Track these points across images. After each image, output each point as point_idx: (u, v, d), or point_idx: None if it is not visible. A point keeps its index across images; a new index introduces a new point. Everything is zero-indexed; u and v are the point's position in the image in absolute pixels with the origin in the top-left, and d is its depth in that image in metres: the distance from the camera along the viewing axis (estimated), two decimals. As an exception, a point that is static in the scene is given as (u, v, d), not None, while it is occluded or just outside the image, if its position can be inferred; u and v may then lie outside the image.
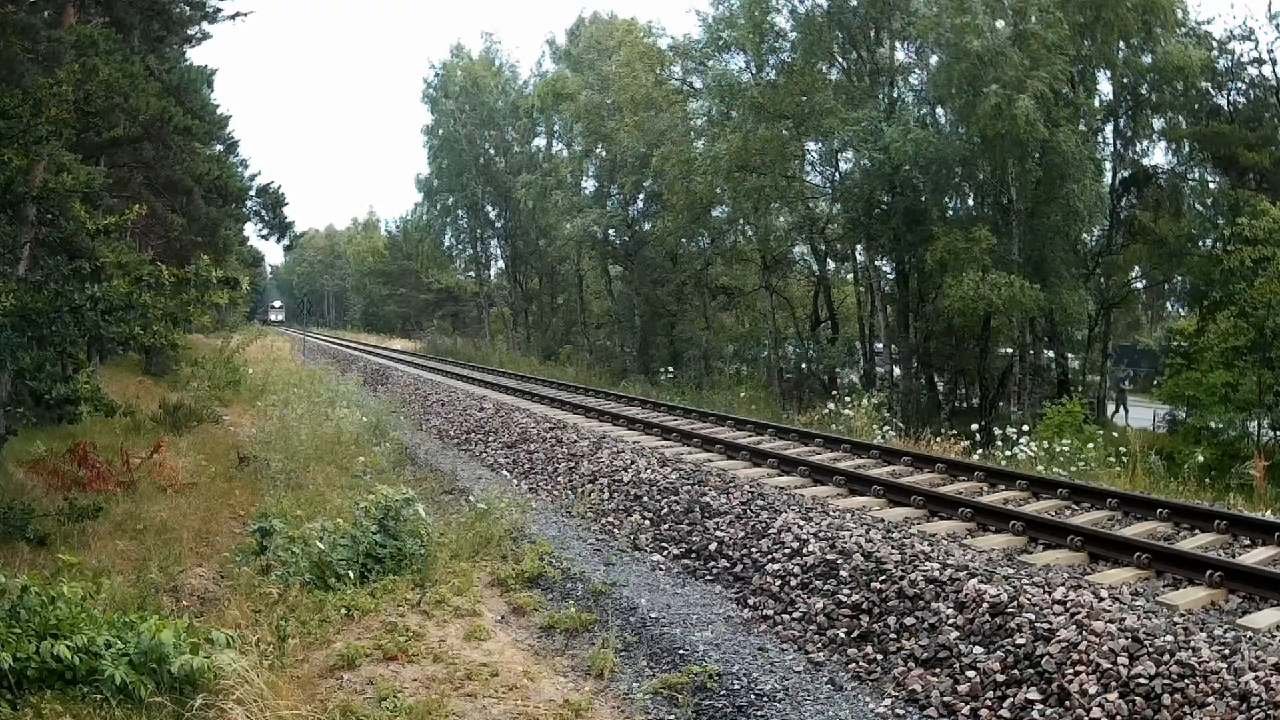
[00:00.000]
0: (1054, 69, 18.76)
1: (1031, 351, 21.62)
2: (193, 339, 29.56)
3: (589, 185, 35.95)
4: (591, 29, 38.97)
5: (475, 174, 44.94)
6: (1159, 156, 23.87)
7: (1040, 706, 5.42)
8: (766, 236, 26.47)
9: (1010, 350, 21.96)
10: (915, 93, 23.80)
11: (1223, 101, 22.75)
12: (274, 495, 11.51)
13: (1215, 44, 22.07)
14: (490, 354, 40.38)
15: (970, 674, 5.88)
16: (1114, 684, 5.33)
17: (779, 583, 7.82)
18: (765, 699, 5.98)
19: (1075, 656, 5.60)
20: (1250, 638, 5.73)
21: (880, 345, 25.16)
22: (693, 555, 9.04)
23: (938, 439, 15.16)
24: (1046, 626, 5.94)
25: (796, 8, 23.71)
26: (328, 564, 7.88)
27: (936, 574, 7.00)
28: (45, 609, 5.76)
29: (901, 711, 5.78)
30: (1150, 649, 5.48)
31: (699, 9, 35.05)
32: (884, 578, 7.23)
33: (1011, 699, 5.56)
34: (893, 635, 6.63)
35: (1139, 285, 24.94)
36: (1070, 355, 23.64)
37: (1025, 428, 15.07)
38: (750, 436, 14.76)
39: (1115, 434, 15.35)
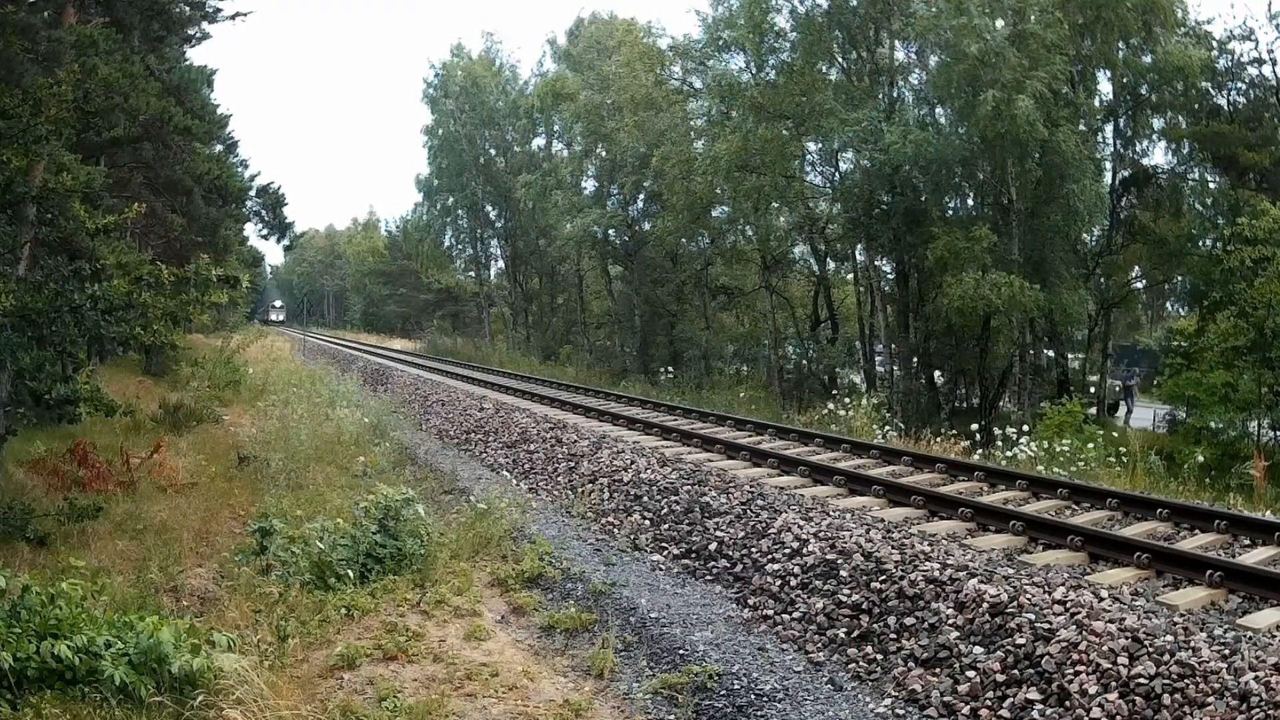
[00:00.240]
0: (1053, 69, 18.75)
1: (1031, 351, 21.63)
2: (193, 339, 29.58)
3: (589, 185, 35.97)
4: (591, 29, 38.97)
5: (475, 174, 44.95)
6: (1159, 156, 23.93)
7: (1040, 706, 5.42)
8: (766, 236, 26.47)
9: (1011, 349, 21.96)
10: (915, 92, 23.81)
11: (1223, 101, 22.76)
12: (274, 495, 11.51)
13: (1215, 44, 22.09)
14: (490, 354, 40.38)
15: (970, 674, 5.88)
16: (1114, 684, 5.33)
17: (779, 583, 7.82)
18: (765, 699, 5.98)
19: (1075, 656, 5.60)
20: (1250, 638, 5.73)
21: (880, 345, 25.17)
22: (693, 555, 9.04)
23: (938, 439, 15.16)
24: (1046, 626, 5.94)
25: (796, 8, 23.73)
26: (328, 564, 7.88)
27: (936, 574, 7.00)
28: (45, 609, 5.76)
29: (901, 711, 5.78)
30: (1150, 649, 5.48)
31: (699, 9, 35.09)
32: (884, 578, 7.23)
33: (1011, 699, 5.56)
34: (893, 635, 6.63)
35: (1139, 285, 24.96)
36: (1071, 355, 23.65)
37: (1025, 428, 15.07)
38: (750, 436, 14.76)
39: (1115, 434, 15.34)
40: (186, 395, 19.52)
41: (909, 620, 6.69)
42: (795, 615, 7.29)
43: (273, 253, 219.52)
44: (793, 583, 7.75)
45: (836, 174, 24.63)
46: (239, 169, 24.72)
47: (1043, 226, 20.37)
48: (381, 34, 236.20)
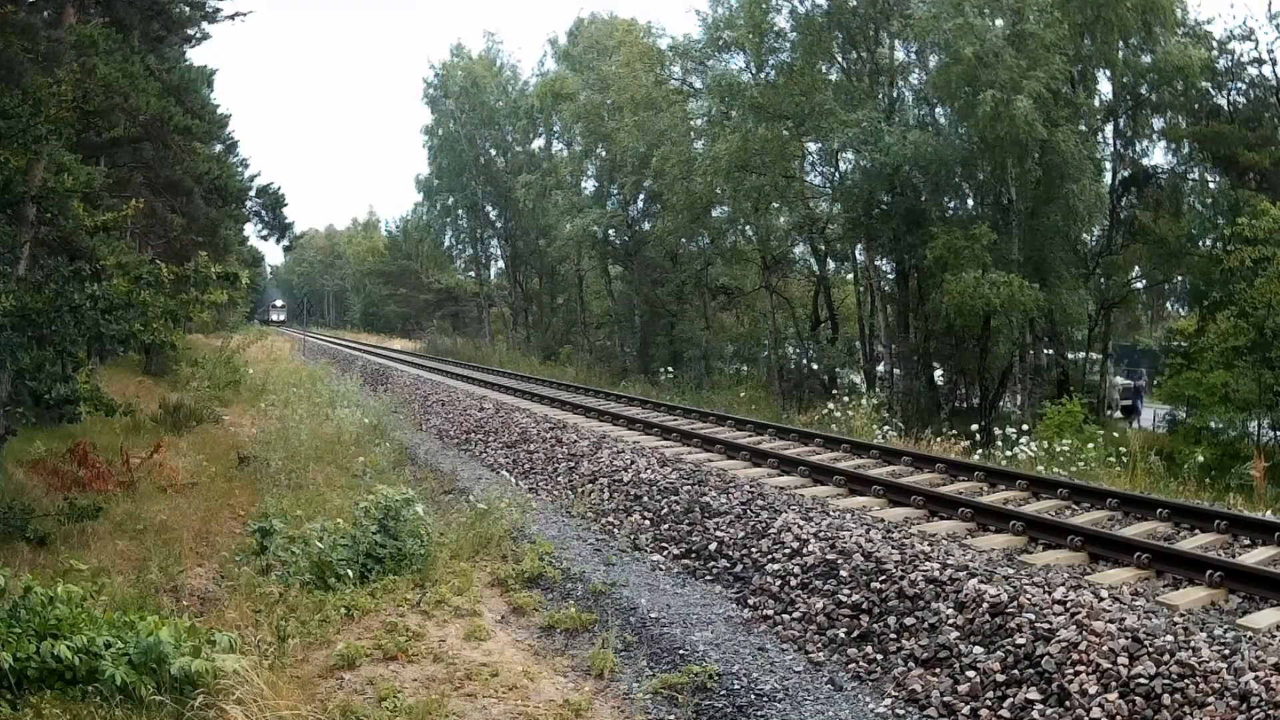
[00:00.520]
0: (1052, 69, 18.75)
1: (1031, 352, 21.63)
2: (193, 339, 29.60)
3: (589, 185, 35.99)
4: (592, 29, 38.98)
5: (475, 174, 44.96)
6: (1159, 156, 23.94)
7: (1040, 706, 5.42)
8: (766, 236, 26.49)
9: (1011, 349, 21.97)
10: (915, 92, 23.83)
11: (1223, 101, 22.77)
12: (274, 495, 11.50)
13: (1215, 44, 22.11)
14: (490, 354, 40.37)
15: (970, 674, 5.88)
16: (1114, 684, 5.33)
17: (779, 583, 7.82)
18: (765, 699, 5.98)
19: (1075, 656, 5.60)
20: (1250, 638, 5.73)
21: (880, 345, 25.18)
22: (693, 555, 9.03)
23: (938, 439, 15.16)
24: (1046, 626, 5.94)
25: (796, 8, 23.77)
26: (328, 564, 7.88)
27: (936, 574, 7.00)
28: (45, 609, 5.76)
29: (901, 711, 5.78)
30: (1150, 649, 5.48)
31: (699, 9, 35.08)
32: (884, 578, 7.23)
33: (1011, 699, 5.56)
34: (893, 635, 6.63)
35: (1139, 285, 24.94)
36: (1079, 354, 23.64)
37: (1025, 427, 15.07)
38: (750, 436, 14.76)
39: (1115, 434, 15.34)
40: (186, 395, 19.51)
41: (909, 620, 6.69)
42: (795, 615, 7.29)
43: (273, 253, 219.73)
44: (793, 583, 7.75)
45: (836, 174, 24.66)
46: (239, 169, 24.71)
47: (1043, 226, 20.38)
48: (381, 34, 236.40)
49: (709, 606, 7.73)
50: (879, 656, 6.47)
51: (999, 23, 19.67)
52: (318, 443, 14.67)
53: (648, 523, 10.06)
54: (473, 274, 54.21)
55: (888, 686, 6.11)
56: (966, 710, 5.62)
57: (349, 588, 7.60)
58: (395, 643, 6.58)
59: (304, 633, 6.73)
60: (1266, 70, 21.86)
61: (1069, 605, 6.14)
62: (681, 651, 6.72)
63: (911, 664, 6.26)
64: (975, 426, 15.34)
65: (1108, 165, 22.91)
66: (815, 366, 26.81)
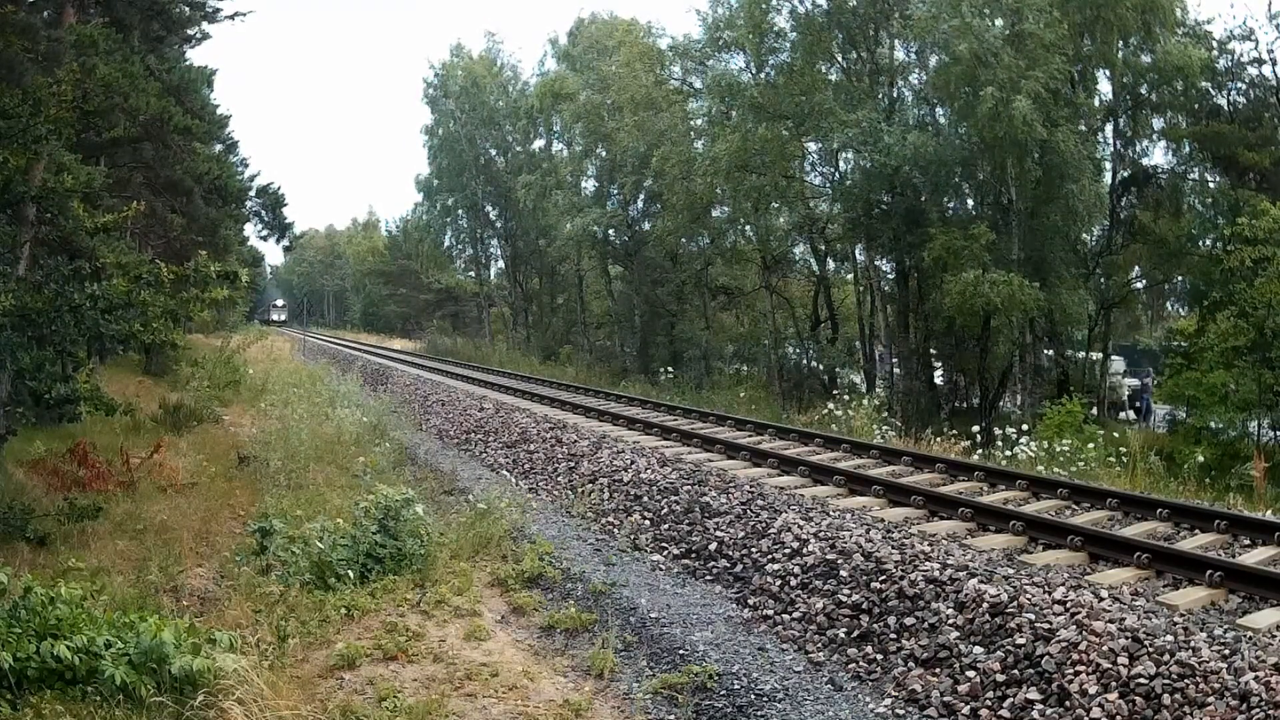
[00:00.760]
0: (1051, 68, 18.74)
1: (1031, 352, 21.62)
2: (193, 339, 29.56)
3: (589, 185, 35.99)
4: (591, 29, 38.98)
5: (475, 174, 44.96)
6: (1159, 156, 23.91)
7: (1040, 706, 5.42)
8: (766, 236, 26.48)
9: (1011, 349, 21.97)
10: (915, 93, 23.82)
11: (1223, 101, 22.75)
12: (274, 495, 11.50)
13: (1215, 44, 22.08)
14: (490, 354, 40.37)
15: (970, 674, 5.88)
16: (1114, 684, 5.33)
17: (779, 583, 7.82)
18: (765, 699, 5.98)
19: (1075, 656, 5.60)
20: (1250, 638, 5.73)
21: (880, 345, 25.18)
22: (693, 555, 9.04)
23: (938, 439, 15.16)
24: (1046, 626, 5.94)
25: (796, 8, 23.76)
26: (328, 564, 7.88)
27: (936, 574, 7.00)
28: (45, 609, 5.76)
29: (901, 711, 5.78)
30: (1150, 649, 5.48)
31: (699, 9, 35.07)
32: (884, 578, 7.23)
33: (1011, 699, 5.56)
34: (893, 635, 6.63)
35: (1139, 285, 24.93)
36: (1081, 354, 23.63)
37: (1025, 427, 15.07)
38: (750, 436, 14.76)
39: (1116, 434, 15.34)
40: (186, 395, 19.50)
41: (909, 620, 6.69)
42: (795, 615, 7.29)
43: (273, 253, 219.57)
44: (793, 583, 7.75)
45: (836, 174, 24.65)
46: (239, 169, 24.68)
47: (1042, 226, 20.36)
48: (381, 34, 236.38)
49: (709, 606, 7.73)
50: (879, 656, 6.47)
51: (998, 23, 19.66)
52: (318, 443, 14.67)
53: (648, 523, 10.06)
54: (473, 274, 54.22)
55: (888, 686, 6.11)
56: (966, 710, 5.62)
57: (349, 588, 7.60)
58: (395, 643, 6.58)
59: (304, 633, 6.73)
60: (1266, 70, 21.87)
61: (1069, 605, 6.14)
62: (681, 651, 6.73)
63: (911, 664, 6.26)
64: (977, 429, 15.32)
65: (1108, 165, 22.91)
66: (817, 365, 26.79)
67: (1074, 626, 5.85)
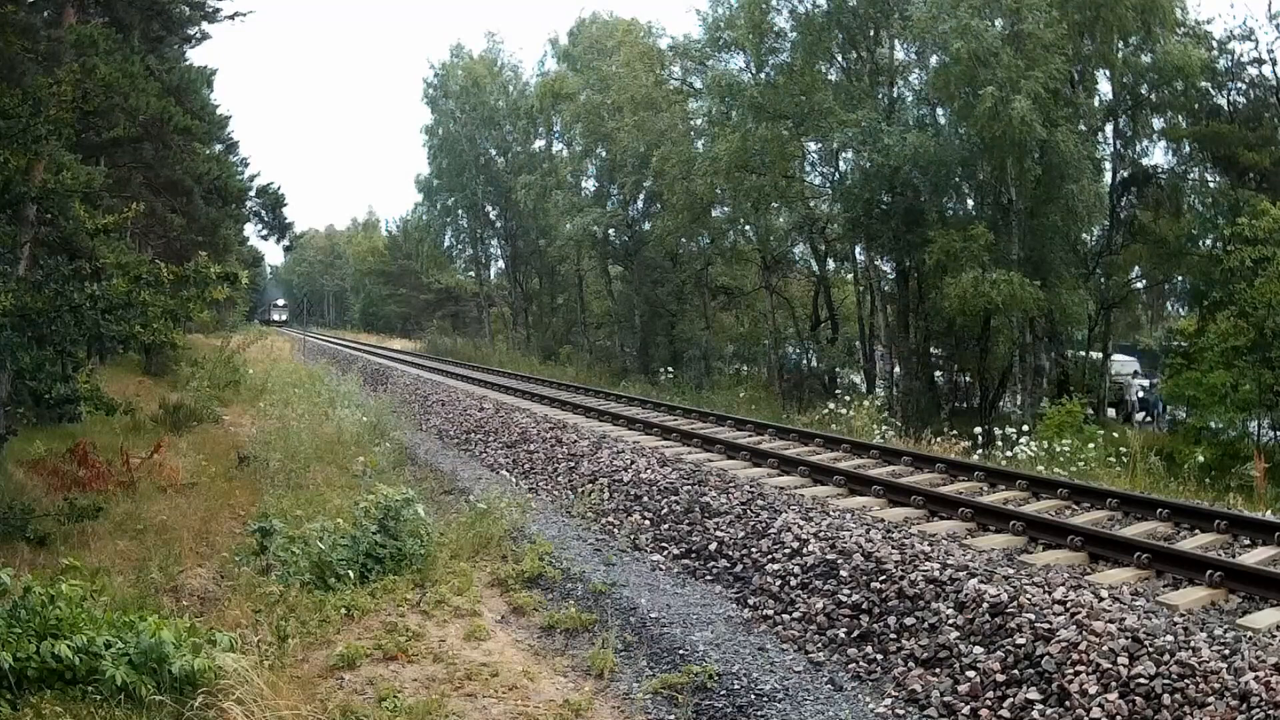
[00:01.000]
0: (1051, 68, 18.73)
1: (1031, 352, 21.61)
2: (193, 339, 29.57)
3: (589, 185, 35.99)
4: (592, 29, 38.97)
5: (475, 174, 44.93)
6: (1159, 156, 23.88)
7: (1040, 706, 5.42)
8: (766, 236, 26.48)
9: (1011, 349, 21.96)
10: (915, 93, 23.81)
11: (1223, 101, 22.73)
12: (274, 495, 11.50)
13: (1215, 44, 22.06)
14: (490, 354, 40.38)
15: (970, 674, 5.88)
16: (1114, 684, 5.33)
17: (779, 583, 7.82)
18: (765, 699, 5.98)
19: (1075, 656, 5.60)
20: (1250, 638, 5.73)
21: (880, 345, 25.17)
22: (693, 555, 9.04)
23: (938, 439, 15.16)
24: (1046, 626, 5.94)
25: (796, 8, 23.74)
26: (328, 564, 7.88)
27: (936, 574, 7.00)
28: (45, 609, 5.76)
29: (901, 711, 5.78)
30: (1150, 649, 5.48)
31: (699, 9, 35.05)
32: (884, 578, 7.23)
33: (1011, 699, 5.56)
34: (893, 635, 6.63)
35: (1139, 285, 24.92)
36: (1083, 353, 23.62)
37: (1025, 428, 15.07)
38: (750, 436, 14.76)
39: (1115, 434, 15.34)
40: (186, 395, 19.50)
41: (909, 620, 6.69)
42: (795, 615, 7.29)
43: (273, 253, 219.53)
44: (793, 583, 7.75)
45: (836, 174, 24.64)
46: (239, 169, 24.66)
47: (1042, 226, 20.35)
48: (381, 34, 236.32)
49: (709, 606, 7.73)
50: (879, 656, 6.48)
51: (998, 23, 19.65)
52: (318, 443, 14.67)
53: (648, 523, 10.06)
54: (473, 274, 54.19)
55: (888, 686, 6.11)
56: (966, 710, 5.62)
57: (349, 588, 7.60)
58: (395, 643, 6.58)
59: (304, 633, 6.73)
60: (1266, 70, 21.85)
61: (1069, 605, 6.14)
62: (681, 651, 6.72)
63: (911, 664, 6.26)
64: (978, 431, 15.32)
65: (1108, 165, 22.87)
66: (817, 365, 26.79)
67: (1074, 626, 5.85)
